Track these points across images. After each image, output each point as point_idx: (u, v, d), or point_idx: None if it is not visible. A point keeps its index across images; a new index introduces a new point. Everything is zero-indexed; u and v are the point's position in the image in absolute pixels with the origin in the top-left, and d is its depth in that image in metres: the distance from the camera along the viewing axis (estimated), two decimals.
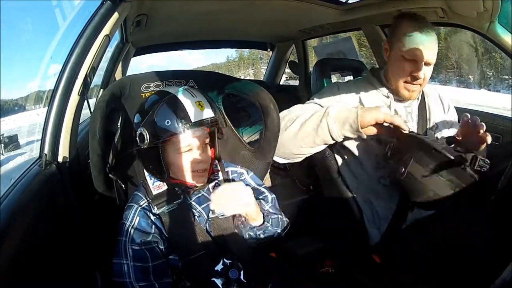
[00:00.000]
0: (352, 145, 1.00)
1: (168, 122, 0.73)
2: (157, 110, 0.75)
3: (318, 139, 0.91)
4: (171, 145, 0.77)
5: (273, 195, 0.90)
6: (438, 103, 1.10)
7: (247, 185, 0.90)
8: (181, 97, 0.76)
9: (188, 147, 0.77)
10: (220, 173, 0.88)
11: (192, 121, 0.74)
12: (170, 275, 0.76)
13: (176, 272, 0.77)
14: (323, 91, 1.06)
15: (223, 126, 0.84)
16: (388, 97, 0.99)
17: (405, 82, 0.94)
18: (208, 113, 0.77)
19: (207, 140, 0.81)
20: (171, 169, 0.79)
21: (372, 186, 0.98)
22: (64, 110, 0.84)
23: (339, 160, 1.07)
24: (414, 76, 0.91)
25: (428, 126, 1.03)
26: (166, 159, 0.77)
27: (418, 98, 1.04)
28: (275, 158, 0.98)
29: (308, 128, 0.91)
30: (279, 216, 0.85)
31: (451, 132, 1.04)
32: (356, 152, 1.01)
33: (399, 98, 0.99)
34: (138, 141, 0.76)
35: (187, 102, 0.76)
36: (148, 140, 0.74)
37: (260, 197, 0.89)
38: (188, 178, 0.80)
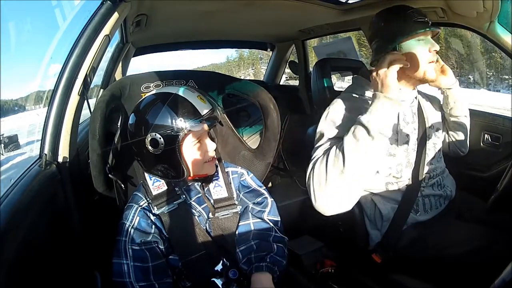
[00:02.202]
0: None
1: (181, 120, 0.75)
2: (161, 113, 0.76)
3: (365, 149, 0.79)
4: (184, 142, 0.78)
5: (272, 199, 0.90)
6: (433, 101, 1.12)
7: (246, 186, 0.90)
8: (185, 95, 0.78)
9: (198, 140, 0.79)
10: (220, 173, 0.88)
11: (202, 114, 0.76)
12: (170, 275, 0.76)
13: (176, 272, 0.77)
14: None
15: (223, 112, 0.93)
16: None
17: (429, 62, 0.93)
18: (209, 105, 0.80)
19: (207, 131, 0.84)
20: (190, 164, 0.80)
21: (377, 189, 0.98)
22: (64, 110, 0.84)
23: None
24: (435, 51, 0.92)
25: (427, 126, 1.03)
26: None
27: (416, 97, 1.04)
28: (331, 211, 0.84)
29: (349, 149, 0.79)
30: (281, 246, 0.83)
31: (459, 109, 1.09)
32: None
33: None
34: (151, 148, 0.76)
35: (192, 98, 0.77)
36: (164, 143, 0.75)
37: (259, 199, 0.89)
38: (202, 170, 0.82)
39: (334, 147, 0.84)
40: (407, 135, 0.98)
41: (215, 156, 0.85)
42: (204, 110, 0.77)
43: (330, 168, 0.81)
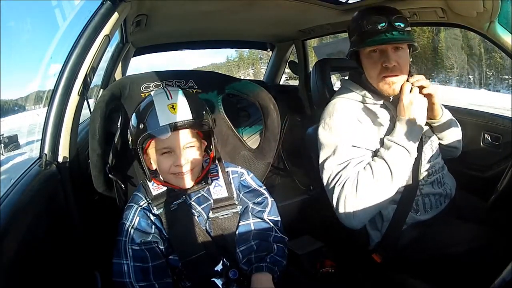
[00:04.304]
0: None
1: (141, 126, 0.75)
2: (137, 113, 0.78)
3: (397, 169, 0.88)
4: (152, 147, 0.80)
5: (272, 199, 0.90)
6: None
7: (246, 186, 0.90)
8: (155, 100, 0.76)
9: (167, 149, 0.78)
10: (220, 173, 0.88)
11: (160, 124, 0.73)
12: (170, 275, 0.76)
13: (176, 272, 0.77)
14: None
15: (209, 128, 0.79)
16: (374, 99, 0.97)
17: (382, 76, 0.91)
18: (182, 116, 0.74)
19: (191, 143, 0.79)
20: (158, 170, 0.83)
21: None
22: (64, 110, 0.84)
23: None
24: (386, 67, 0.89)
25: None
26: (149, 160, 0.82)
27: None
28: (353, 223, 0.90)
29: (381, 169, 0.88)
30: (281, 246, 0.82)
31: (448, 135, 1.04)
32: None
33: (383, 96, 0.96)
34: (129, 143, 0.80)
35: (159, 106, 0.75)
36: (131, 142, 0.78)
37: (259, 199, 0.88)
38: (171, 181, 0.82)
39: (375, 161, 0.90)
40: None
41: (191, 169, 0.80)
42: (168, 120, 0.73)
43: (377, 181, 0.87)
